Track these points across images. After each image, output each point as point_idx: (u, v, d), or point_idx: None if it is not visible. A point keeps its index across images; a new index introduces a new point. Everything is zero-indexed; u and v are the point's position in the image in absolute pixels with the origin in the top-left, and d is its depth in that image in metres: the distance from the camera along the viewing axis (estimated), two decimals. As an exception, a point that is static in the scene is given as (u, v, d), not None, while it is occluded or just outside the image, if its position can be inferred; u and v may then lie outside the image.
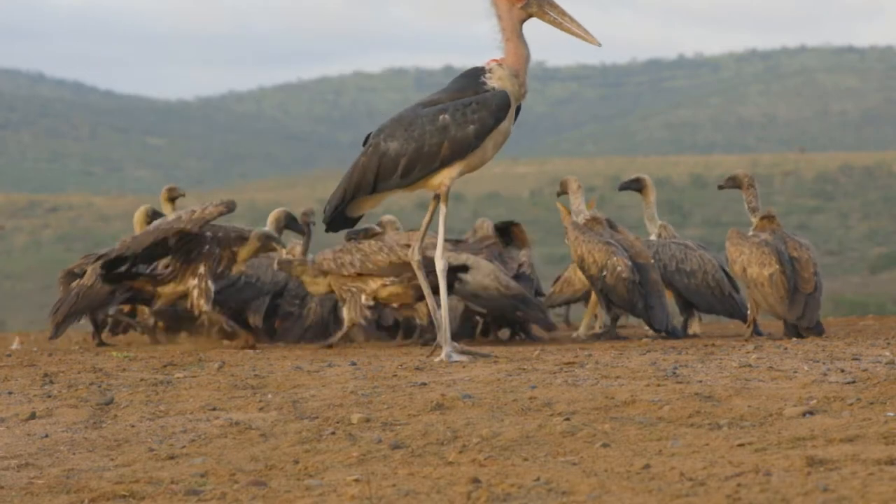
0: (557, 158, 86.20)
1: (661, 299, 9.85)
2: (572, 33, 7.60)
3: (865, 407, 5.59)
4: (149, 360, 8.50)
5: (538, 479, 4.58)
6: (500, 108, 7.59)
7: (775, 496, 4.20)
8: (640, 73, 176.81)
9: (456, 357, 7.60)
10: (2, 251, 58.60)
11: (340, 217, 8.05)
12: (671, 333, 9.80)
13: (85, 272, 10.06)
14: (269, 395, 6.43)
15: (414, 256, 7.88)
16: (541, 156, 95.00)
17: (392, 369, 7.29)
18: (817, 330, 9.29)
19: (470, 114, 7.58)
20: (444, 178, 7.74)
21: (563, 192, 10.56)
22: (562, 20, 7.58)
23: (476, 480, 4.59)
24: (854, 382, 6.14)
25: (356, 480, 4.72)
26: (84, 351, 9.76)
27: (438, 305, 7.83)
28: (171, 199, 11.41)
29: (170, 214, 10.40)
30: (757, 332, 9.67)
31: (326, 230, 8.38)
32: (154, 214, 10.80)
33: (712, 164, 71.42)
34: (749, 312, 9.60)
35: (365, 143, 7.90)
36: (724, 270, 10.37)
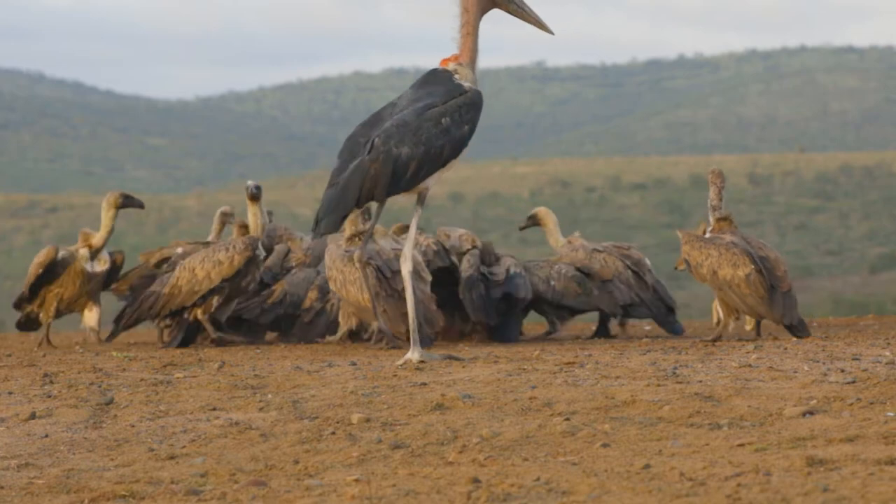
0: (557, 158, 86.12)
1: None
2: (532, 22, 7.89)
3: (865, 407, 5.59)
4: (149, 360, 8.50)
5: (538, 479, 4.58)
6: (481, 107, 7.91)
7: (775, 496, 4.20)
8: (640, 73, 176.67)
9: (426, 357, 7.61)
10: (2, 251, 58.60)
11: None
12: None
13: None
14: (269, 395, 6.43)
15: (406, 267, 7.83)
16: (541, 156, 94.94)
17: (392, 369, 7.29)
18: (802, 327, 9.17)
19: (464, 114, 7.85)
20: (431, 180, 7.88)
21: (532, 224, 10.74)
22: (523, 9, 7.88)
23: (476, 480, 4.60)
24: (854, 382, 6.14)
25: (356, 480, 4.72)
26: (84, 351, 9.76)
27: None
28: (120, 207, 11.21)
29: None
30: (757, 332, 9.67)
31: (322, 235, 8.35)
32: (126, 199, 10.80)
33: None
34: (722, 317, 9.25)
35: (370, 150, 7.87)
36: (632, 269, 10.49)
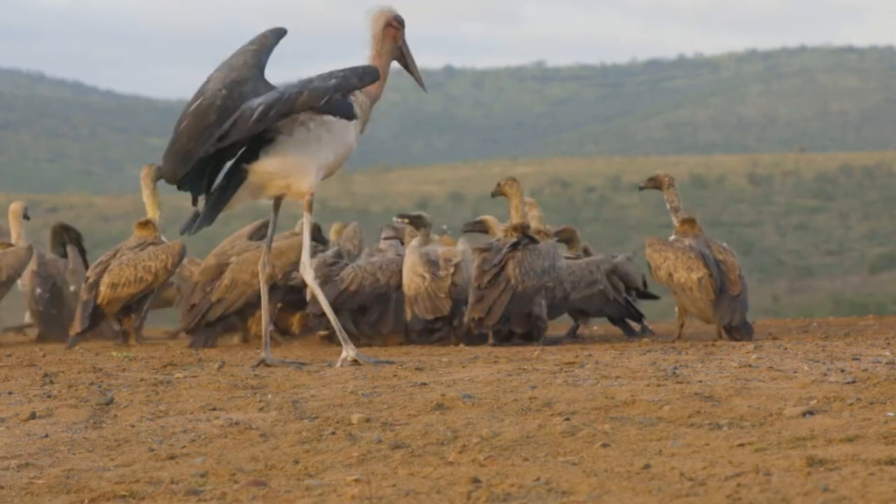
0: (557, 158, 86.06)
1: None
2: (413, 74, 8.07)
3: (865, 407, 5.59)
4: (149, 360, 8.50)
5: (538, 479, 4.58)
6: (366, 76, 7.73)
7: (775, 496, 4.20)
8: (640, 73, 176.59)
9: (361, 358, 7.67)
10: (2, 251, 58.57)
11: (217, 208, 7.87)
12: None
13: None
14: (269, 395, 6.43)
15: (307, 273, 7.80)
16: (541, 156, 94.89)
17: (392, 369, 7.30)
18: (746, 330, 9.34)
19: (335, 72, 7.65)
20: (309, 184, 7.71)
21: (479, 230, 10.61)
22: (411, 62, 8.05)
23: (476, 480, 4.60)
24: (854, 382, 6.15)
25: (356, 480, 4.72)
26: (84, 351, 9.77)
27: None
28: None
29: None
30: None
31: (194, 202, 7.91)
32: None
33: (712, 164, 71.34)
34: (677, 317, 9.66)
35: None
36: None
